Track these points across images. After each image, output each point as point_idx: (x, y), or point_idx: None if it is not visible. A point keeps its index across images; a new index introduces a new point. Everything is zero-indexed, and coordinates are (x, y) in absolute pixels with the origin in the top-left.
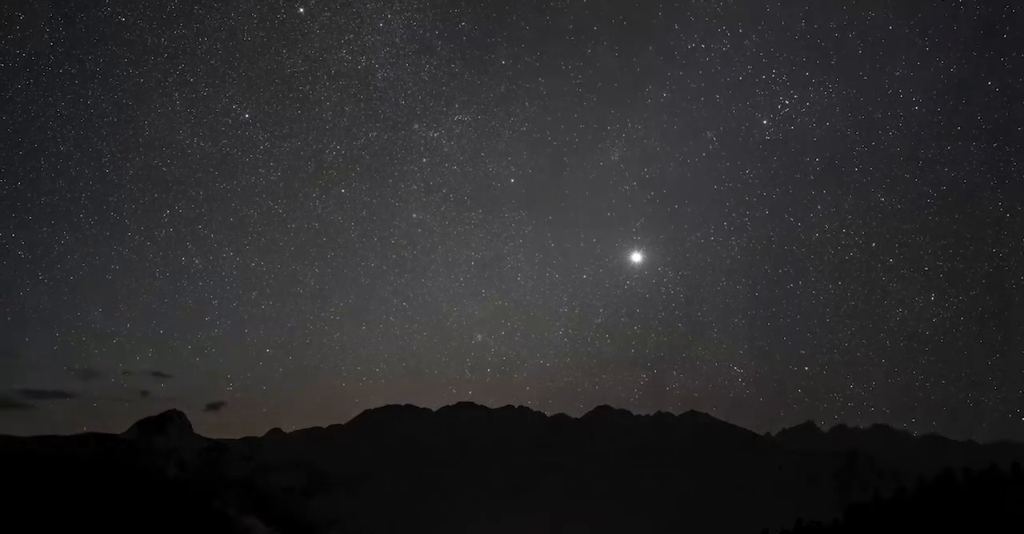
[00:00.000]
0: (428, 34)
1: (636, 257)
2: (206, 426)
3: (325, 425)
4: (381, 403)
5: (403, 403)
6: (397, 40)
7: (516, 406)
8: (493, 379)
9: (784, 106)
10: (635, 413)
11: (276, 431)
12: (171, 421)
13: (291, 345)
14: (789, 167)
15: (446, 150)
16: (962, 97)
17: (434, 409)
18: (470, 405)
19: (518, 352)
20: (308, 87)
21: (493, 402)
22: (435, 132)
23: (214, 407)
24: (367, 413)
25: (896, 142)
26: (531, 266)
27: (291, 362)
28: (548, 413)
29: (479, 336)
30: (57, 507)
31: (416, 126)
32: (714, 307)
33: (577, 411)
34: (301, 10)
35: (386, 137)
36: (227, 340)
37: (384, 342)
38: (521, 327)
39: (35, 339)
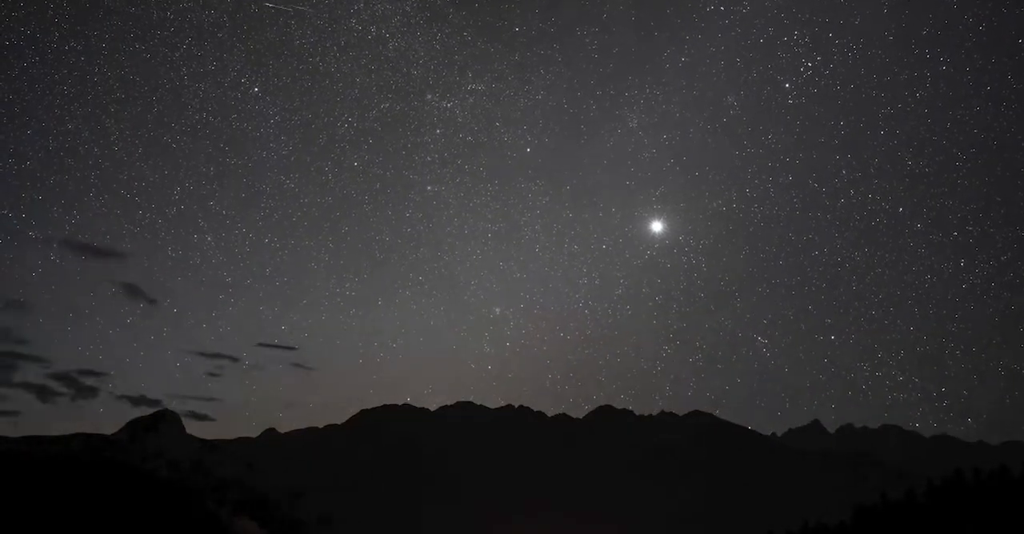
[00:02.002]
0: (439, 2)
1: (656, 226)
2: (199, 426)
3: (321, 425)
4: (378, 403)
5: (400, 403)
6: (408, 8)
7: (516, 406)
8: (512, 353)
9: (807, 69)
10: (638, 413)
11: (271, 431)
12: (163, 421)
13: (307, 322)
14: (813, 131)
15: (460, 120)
16: (991, 56)
17: (432, 409)
18: (469, 405)
19: (537, 325)
20: (318, 59)
21: (493, 402)
22: (448, 102)
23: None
24: (364, 413)
25: (923, 104)
26: (549, 237)
27: (306, 339)
28: (549, 413)
29: (497, 310)
30: (46, 510)
31: (429, 96)
32: (737, 276)
33: (579, 411)
34: None
35: (398, 108)
36: (242, 318)
37: (401, 317)
38: (540, 300)
39: (48, 320)
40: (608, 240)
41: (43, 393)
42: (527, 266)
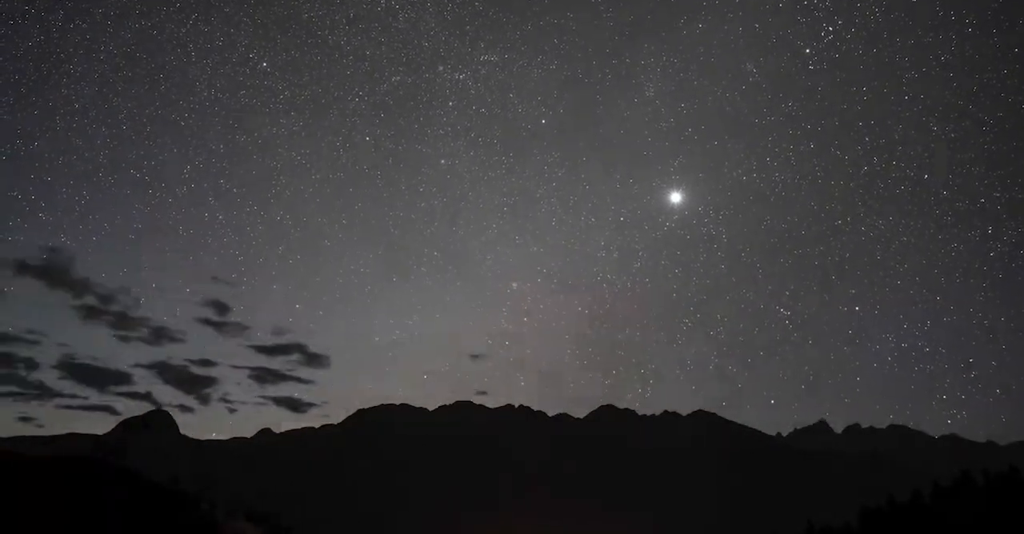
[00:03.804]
0: None
1: (675, 197)
2: (195, 426)
3: (317, 425)
4: (376, 402)
5: (398, 402)
6: None
7: (516, 406)
8: (530, 328)
9: (828, 33)
10: (640, 413)
11: (267, 431)
12: (157, 421)
13: (321, 299)
14: (835, 97)
15: (473, 92)
16: (1020, 16)
17: (431, 408)
18: (468, 405)
19: (555, 299)
20: (327, 32)
21: (493, 401)
22: (461, 74)
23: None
24: (361, 413)
25: (949, 67)
26: (566, 210)
27: (321, 317)
28: (550, 412)
29: (514, 284)
30: (36, 512)
31: (441, 68)
32: (758, 247)
33: (580, 411)
34: None
35: (410, 81)
36: (254, 296)
37: (416, 293)
38: (558, 273)
39: (61, 301)
40: (626, 212)
41: None
42: (544, 240)
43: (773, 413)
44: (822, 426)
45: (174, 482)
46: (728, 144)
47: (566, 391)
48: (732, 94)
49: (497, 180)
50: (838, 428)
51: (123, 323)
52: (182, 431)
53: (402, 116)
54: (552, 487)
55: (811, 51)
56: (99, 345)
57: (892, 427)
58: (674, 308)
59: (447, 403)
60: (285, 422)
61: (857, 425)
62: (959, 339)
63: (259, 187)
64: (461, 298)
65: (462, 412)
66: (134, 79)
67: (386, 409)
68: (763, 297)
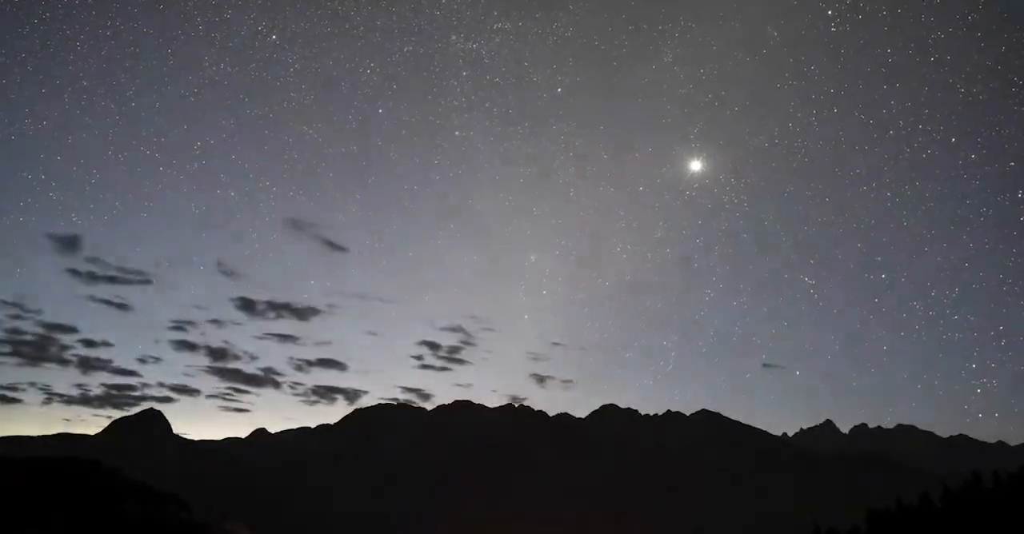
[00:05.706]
0: None
1: (695, 165)
2: (189, 425)
3: (313, 425)
4: (373, 402)
5: (395, 402)
6: None
7: (516, 405)
8: (549, 301)
9: None
10: (643, 412)
11: (261, 432)
12: (149, 420)
13: (335, 274)
14: (858, 61)
15: (487, 61)
16: None
17: (429, 408)
18: (467, 404)
19: (574, 271)
20: (337, 2)
21: (492, 401)
22: (474, 43)
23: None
24: (358, 412)
25: (977, 27)
26: (584, 180)
27: (337, 289)
28: (550, 412)
29: (533, 257)
30: (25, 514)
31: (454, 38)
32: (781, 215)
33: (582, 410)
34: None
35: (422, 51)
36: (266, 273)
37: (434, 268)
38: (576, 246)
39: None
40: (645, 181)
41: None
42: (562, 211)
43: (778, 413)
44: (828, 426)
45: (167, 483)
46: (749, 110)
47: (585, 367)
48: (753, 58)
49: (513, 151)
50: (844, 428)
51: None
52: (176, 430)
53: (415, 87)
54: (552, 488)
55: (833, 12)
56: None
57: (900, 427)
58: (696, 278)
59: (446, 402)
60: (278, 424)
61: (864, 425)
62: (988, 306)
63: (271, 162)
64: (479, 272)
65: (462, 412)
66: (141, 55)
67: (383, 409)
68: (787, 266)
